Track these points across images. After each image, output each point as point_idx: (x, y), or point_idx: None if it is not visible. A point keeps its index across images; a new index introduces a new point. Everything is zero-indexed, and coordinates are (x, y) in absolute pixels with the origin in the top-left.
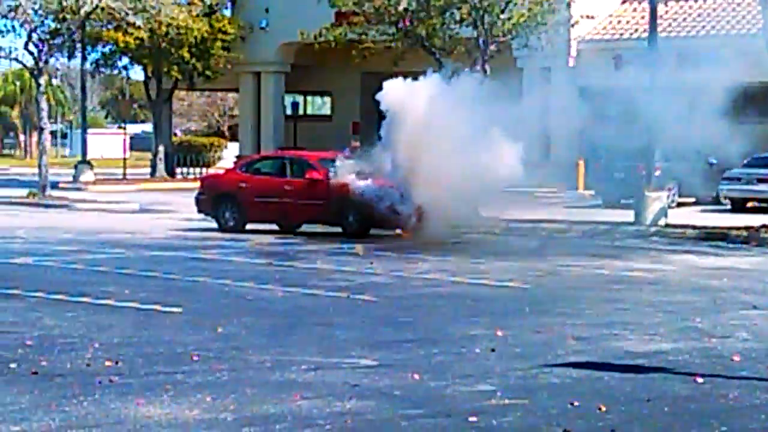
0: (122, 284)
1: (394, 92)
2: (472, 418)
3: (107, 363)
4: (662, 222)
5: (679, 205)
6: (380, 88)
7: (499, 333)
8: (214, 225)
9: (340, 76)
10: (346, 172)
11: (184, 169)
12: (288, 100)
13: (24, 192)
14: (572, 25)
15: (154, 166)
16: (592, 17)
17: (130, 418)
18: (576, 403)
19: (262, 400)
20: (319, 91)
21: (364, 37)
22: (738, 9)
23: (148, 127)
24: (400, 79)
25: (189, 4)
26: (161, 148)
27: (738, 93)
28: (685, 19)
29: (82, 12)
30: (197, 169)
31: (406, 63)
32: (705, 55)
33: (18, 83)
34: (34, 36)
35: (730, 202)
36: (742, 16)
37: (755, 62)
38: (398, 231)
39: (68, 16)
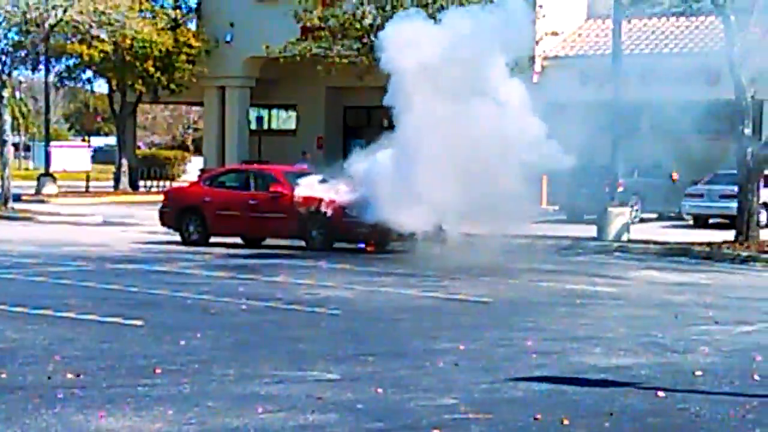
0: (85, 297)
1: (399, 40)
2: None
3: (69, 376)
4: (625, 237)
5: (642, 220)
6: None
7: (462, 347)
8: (178, 238)
9: (305, 91)
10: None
11: (148, 182)
12: (253, 114)
13: None
14: (537, 42)
15: (117, 179)
16: (557, 34)
17: (92, 431)
18: (539, 417)
19: (224, 413)
20: (284, 104)
21: (329, 51)
22: (701, 27)
23: (112, 140)
24: (408, 21)
25: (154, 17)
26: (125, 161)
27: (700, 109)
28: (648, 36)
29: (46, 25)
30: (161, 183)
31: (371, 78)
32: (668, 72)
33: None
34: None
35: (692, 218)
36: (704, 34)
37: (717, 79)
38: (362, 245)
39: (32, 29)
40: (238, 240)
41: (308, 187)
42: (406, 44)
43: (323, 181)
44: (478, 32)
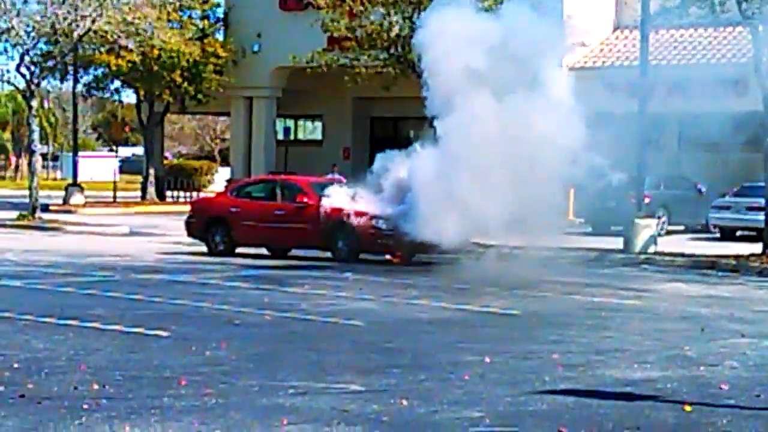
0: (111, 307)
1: (442, 38)
2: None
3: (94, 386)
4: (652, 250)
5: (669, 233)
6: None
7: (488, 359)
8: (204, 249)
9: (331, 101)
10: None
11: (175, 193)
12: (279, 124)
13: (14, 214)
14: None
15: (144, 190)
16: (585, 45)
17: None
18: (564, 430)
19: (249, 425)
20: (310, 115)
21: (356, 62)
22: (729, 38)
23: (140, 150)
24: (452, 14)
25: (181, 27)
26: (152, 172)
27: (729, 121)
28: (676, 47)
29: (74, 35)
30: (188, 193)
31: (398, 88)
32: (696, 83)
33: (10, 105)
34: (27, 58)
35: (719, 230)
36: (732, 45)
37: (745, 90)
38: (388, 256)
39: (61, 39)
40: (264, 251)
41: (335, 198)
42: (450, 43)
43: (351, 192)
44: (536, 24)
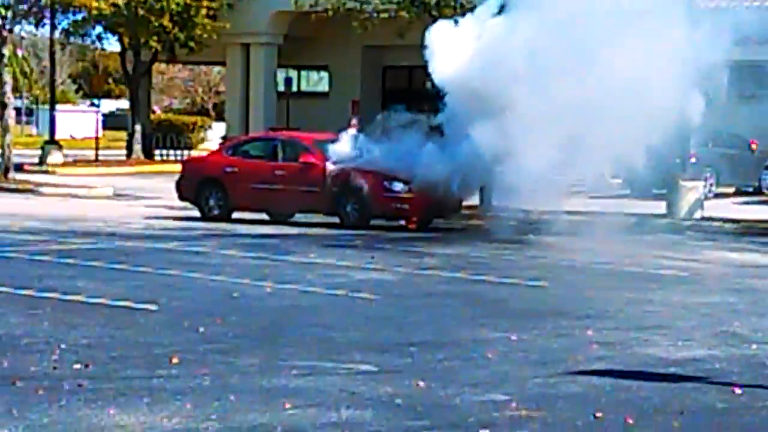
0: (93, 278)
1: None
2: (484, 431)
3: (76, 366)
4: (698, 215)
5: (717, 195)
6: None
7: (515, 337)
8: (197, 213)
9: (338, 50)
10: None
11: (164, 151)
12: (280, 75)
13: None
14: None
15: (130, 148)
16: None
17: (102, 426)
18: (600, 415)
19: (248, 409)
20: (315, 65)
21: (365, 5)
22: None
23: (124, 103)
24: None
25: None
26: (138, 128)
27: None
28: None
29: None
30: (178, 151)
31: (413, 35)
32: (747, 26)
33: None
34: None
35: None
36: None
37: None
38: (403, 222)
39: None
40: (263, 216)
41: (344, 156)
42: None
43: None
44: None
